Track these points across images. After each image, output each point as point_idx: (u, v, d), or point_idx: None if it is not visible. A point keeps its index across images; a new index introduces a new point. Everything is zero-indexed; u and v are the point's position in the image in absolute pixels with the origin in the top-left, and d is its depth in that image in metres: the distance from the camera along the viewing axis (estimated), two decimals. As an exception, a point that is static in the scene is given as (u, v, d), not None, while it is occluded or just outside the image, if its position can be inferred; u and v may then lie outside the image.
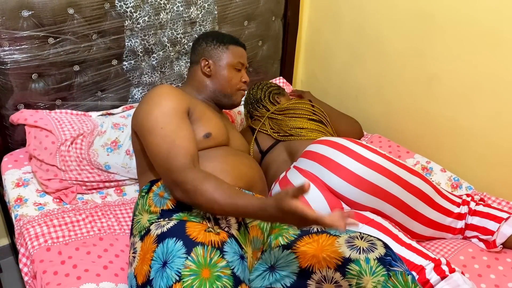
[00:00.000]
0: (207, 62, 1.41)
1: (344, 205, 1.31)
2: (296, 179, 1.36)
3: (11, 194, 1.46)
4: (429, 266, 1.16)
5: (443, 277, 1.15)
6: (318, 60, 2.26)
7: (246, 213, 1.05)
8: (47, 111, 1.61)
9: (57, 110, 1.63)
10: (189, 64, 1.51)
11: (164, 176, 1.15)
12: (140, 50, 1.74)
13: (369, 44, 1.96)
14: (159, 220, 1.13)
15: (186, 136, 1.19)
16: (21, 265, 1.31)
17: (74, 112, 1.65)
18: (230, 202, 1.03)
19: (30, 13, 1.46)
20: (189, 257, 0.99)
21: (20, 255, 1.32)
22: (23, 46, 1.49)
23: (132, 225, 1.21)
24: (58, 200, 1.46)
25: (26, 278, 1.30)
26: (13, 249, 1.90)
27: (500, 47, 1.52)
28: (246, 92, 1.47)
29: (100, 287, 1.18)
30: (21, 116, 1.54)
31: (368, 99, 2.04)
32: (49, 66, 1.56)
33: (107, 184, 1.57)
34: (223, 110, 1.53)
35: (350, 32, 2.03)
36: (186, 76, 1.49)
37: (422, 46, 1.75)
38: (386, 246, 1.08)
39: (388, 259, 1.04)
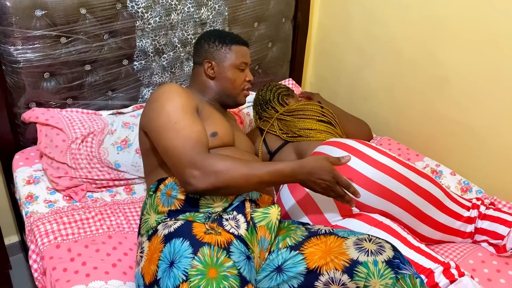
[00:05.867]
0: (210, 64, 1.39)
1: (353, 207, 1.31)
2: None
3: (22, 191, 1.48)
4: (438, 270, 1.15)
5: (452, 280, 1.14)
6: (328, 62, 2.26)
7: (278, 178, 1.12)
8: (58, 109, 1.62)
9: (68, 109, 1.65)
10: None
11: (181, 167, 1.12)
12: (151, 50, 1.75)
13: (379, 46, 1.95)
14: (166, 220, 1.13)
15: (201, 130, 1.20)
16: (31, 262, 1.32)
17: (85, 111, 1.67)
18: (264, 170, 1.10)
19: (43, 12, 1.48)
20: (195, 257, 1.00)
21: (30, 252, 1.33)
22: (35, 45, 1.51)
23: (140, 224, 1.22)
24: (68, 197, 1.48)
25: (35, 275, 1.32)
26: (23, 246, 1.92)
27: (512, 50, 1.51)
28: (249, 91, 1.46)
29: (108, 284, 1.18)
30: (33, 114, 1.56)
31: (378, 101, 2.04)
32: (61, 65, 1.58)
33: (116, 182, 1.58)
34: (230, 110, 1.53)
35: (360, 34, 2.03)
36: (190, 76, 1.48)
37: (433, 48, 1.74)
38: (394, 248, 1.08)
39: (397, 262, 1.04)
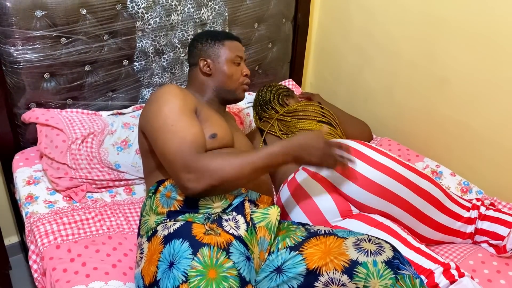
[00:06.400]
0: (205, 62, 1.40)
1: (353, 208, 1.31)
2: (304, 181, 1.35)
3: (22, 191, 1.48)
4: (438, 270, 1.15)
5: (452, 281, 1.13)
6: (328, 62, 2.26)
7: (271, 161, 1.12)
8: (58, 110, 1.63)
9: (68, 109, 1.65)
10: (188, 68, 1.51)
11: (176, 171, 1.12)
12: (151, 51, 1.75)
13: (378, 46, 1.95)
14: (165, 221, 1.13)
15: (197, 132, 1.20)
16: (30, 262, 1.32)
17: (85, 111, 1.67)
18: (256, 157, 1.11)
19: (43, 13, 1.48)
20: (195, 258, 1.00)
21: (30, 252, 1.33)
22: (35, 46, 1.51)
23: (139, 225, 1.22)
24: (68, 198, 1.48)
25: (35, 275, 1.32)
26: (23, 247, 1.92)
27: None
28: (250, 92, 1.46)
29: (108, 285, 1.18)
30: (33, 114, 1.56)
31: (378, 102, 2.04)
32: (61, 65, 1.58)
33: (116, 183, 1.58)
34: (229, 106, 1.52)
35: (359, 34, 2.03)
36: (187, 79, 1.49)
37: (432, 49, 1.74)
38: (394, 249, 1.08)
39: (396, 262, 1.04)
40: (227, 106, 1.54)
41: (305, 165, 1.16)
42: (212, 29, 1.86)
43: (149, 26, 1.70)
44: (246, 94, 1.52)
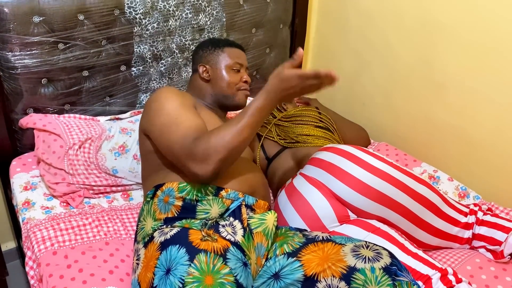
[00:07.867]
0: (204, 68, 1.43)
1: (350, 213, 1.31)
2: (302, 186, 1.35)
3: (19, 197, 1.48)
4: (435, 276, 1.15)
5: (449, 287, 1.13)
6: (325, 67, 2.23)
7: (261, 114, 1.12)
8: (56, 115, 1.63)
9: (65, 115, 1.65)
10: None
11: (185, 161, 1.13)
12: (149, 56, 1.76)
13: (376, 52, 1.96)
14: (162, 227, 1.13)
15: (201, 123, 1.22)
16: (27, 268, 1.32)
17: (83, 116, 1.67)
18: (246, 117, 1.12)
19: (41, 18, 1.48)
20: (192, 264, 1.00)
21: (26, 258, 1.33)
22: (33, 51, 1.51)
23: (136, 231, 1.22)
24: (65, 204, 1.47)
25: (32, 282, 1.31)
26: (20, 252, 1.91)
27: (509, 57, 1.51)
28: (248, 96, 1.48)
29: (105, 291, 1.18)
30: (30, 120, 1.56)
31: (375, 107, 2.04)
32: (59, 71, 1.58)
33: (114, 188, 1.58)
34: (229, 112, 1.53)
35: (357, 40, 2.03)
36: (187, 84, 1.51)
37: (430, 54, 1.75)
38: (391, 255, 1.08)
39: (394, 269, 1.04)
40: (229, 112, 1.54)
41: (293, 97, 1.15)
42: (210, 34, 1.86)
43: (147, 32, 1.71)
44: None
